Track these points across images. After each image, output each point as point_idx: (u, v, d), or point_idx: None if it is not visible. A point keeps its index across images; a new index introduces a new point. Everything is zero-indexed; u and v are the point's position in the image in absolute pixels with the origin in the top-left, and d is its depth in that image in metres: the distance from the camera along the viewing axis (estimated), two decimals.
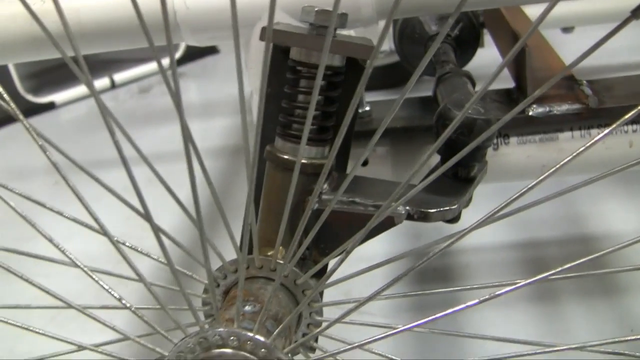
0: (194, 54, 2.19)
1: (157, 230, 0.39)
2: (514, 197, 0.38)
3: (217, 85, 2.00)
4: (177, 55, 2.13)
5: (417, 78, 0.37)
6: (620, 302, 0.91)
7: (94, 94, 0.37)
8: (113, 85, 2.05)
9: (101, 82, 2.05)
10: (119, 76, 2.07)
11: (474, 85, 0.71)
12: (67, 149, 0.46)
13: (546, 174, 0.37)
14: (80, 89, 1.97)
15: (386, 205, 0.42)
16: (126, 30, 0.63)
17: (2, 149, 1.74)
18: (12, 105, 0.43)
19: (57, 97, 1.97)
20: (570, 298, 0.93)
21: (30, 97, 1.92)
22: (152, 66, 2.11)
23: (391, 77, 1.52)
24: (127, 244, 0.47)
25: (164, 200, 0.51)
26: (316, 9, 0.48)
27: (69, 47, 0.41)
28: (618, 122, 0.37)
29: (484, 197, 0.60)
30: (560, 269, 0.40)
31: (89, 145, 1.61)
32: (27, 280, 0.44)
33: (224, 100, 1.85)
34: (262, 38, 0.47)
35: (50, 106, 1.95)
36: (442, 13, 0.68)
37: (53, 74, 2.01)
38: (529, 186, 0.38)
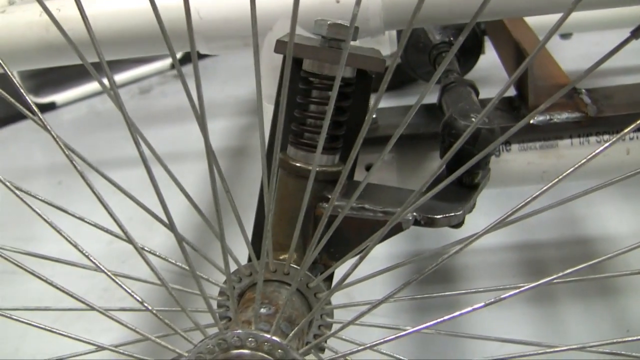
0: None
1: (180, 239, 0.41)
2: (523, 203, 0.40)
3: (218, 86, 2.00)
4: (178, 56, 2.13)
5: (429, 91, 0.39)
6: (616, 303, 0.93)
7: (118, 102, 0.39)
8: None
9: None
10: (119, 77, 2.06)
11: (477, 94, 0.73)
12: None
13: (553, 181, 0.39)
14: (81, 89, 1.97)
15: (399, 212, 0.43)
16: (141, 38, 0.64)
17: (3, 149, 1.75)
18: (36, 110, 0.45)
19: (58, 97, 1.97)
20: (567, 299, 0.94)
21: (31, 97, 1.92)
22: (152, 67, 2.10)
23: (391, 79, 1.54)
24: (147, 248, 0.49)
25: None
26: (329, 22, 0.49)
27: (86, 53, 0.42)
28: (623, 132, 0.39)
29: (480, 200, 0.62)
30: (562, 273, 0.42)
31: (90, 146, 1.62)
32: (50, 284, 0.46)
33: (224, 101, 1.86)
34: (278, 51, 0.49)
35: (51, 106, 1.95)
36: (449, 23, 0.70)
37: (54, 74, 2.01)
38: (538, 193, 0.39)
